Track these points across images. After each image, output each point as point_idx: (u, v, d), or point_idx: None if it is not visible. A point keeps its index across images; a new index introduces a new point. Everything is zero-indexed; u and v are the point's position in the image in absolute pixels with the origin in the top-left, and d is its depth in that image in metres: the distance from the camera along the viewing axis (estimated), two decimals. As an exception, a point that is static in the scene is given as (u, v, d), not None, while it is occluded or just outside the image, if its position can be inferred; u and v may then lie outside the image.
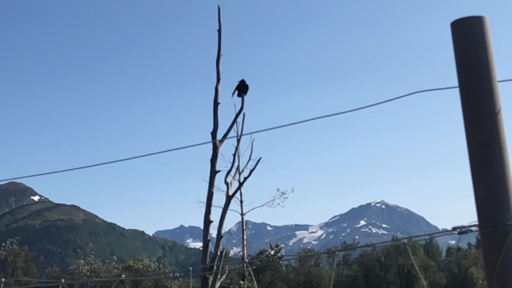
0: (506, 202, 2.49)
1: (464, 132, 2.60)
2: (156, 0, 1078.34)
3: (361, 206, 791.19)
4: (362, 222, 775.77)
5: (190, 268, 3.93)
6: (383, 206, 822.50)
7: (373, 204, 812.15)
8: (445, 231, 2.60)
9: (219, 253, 21.48)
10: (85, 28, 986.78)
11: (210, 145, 21.14)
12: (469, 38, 2.65)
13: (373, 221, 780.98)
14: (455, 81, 2.79)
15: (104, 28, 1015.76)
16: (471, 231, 2.54)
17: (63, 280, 6.70)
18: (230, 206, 22.87)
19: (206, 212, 20.93)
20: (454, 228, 2.56)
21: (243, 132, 24.16)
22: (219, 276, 20.46)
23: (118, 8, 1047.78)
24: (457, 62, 2.65)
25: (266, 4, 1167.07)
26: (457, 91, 2.64)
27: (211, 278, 20.17)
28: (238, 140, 24.96)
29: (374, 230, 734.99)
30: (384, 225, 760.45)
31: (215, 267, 20.19)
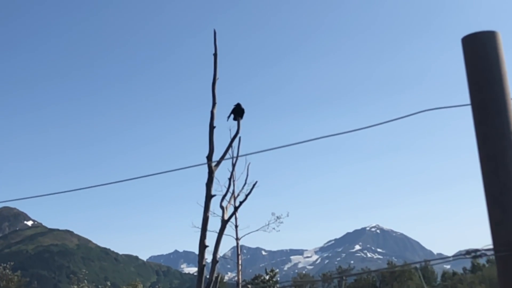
0: None
1: (477, 152, 2.50)
2: (152, 26, 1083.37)
3: (356, 231, 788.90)
4: (357, 247, 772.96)
5: None
6: (378, 231, 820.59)
7: (368, 228, 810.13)
8: (458, 255, 2.49)
9: (214, 279, 21.26)
10: (78, 56, 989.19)
11: (205, 170, 21.01)
12: (481, 54, 2.56)
13: (368, 245, 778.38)
14: (453, 102, 2.71)
15: (99, 56, 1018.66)
16: (486, 255, 2.43)
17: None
18: (226, 231, 22.70)
19: (201, 236, 20.70)
20: (469, 252, 2.45)
21: (239, 156, 24.12)
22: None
23: (110, 34, 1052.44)
24: (469, 79, 2.56)
25: (262, 30, 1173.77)
26: (464, 110, 2.56)
27: (206, 304, 19.95)
28: (234, 164, 24.87)
29: (369, 255, 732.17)
30: (379, 250, 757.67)
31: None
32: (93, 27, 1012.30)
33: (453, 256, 2.50)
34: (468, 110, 2.62)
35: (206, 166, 21.28)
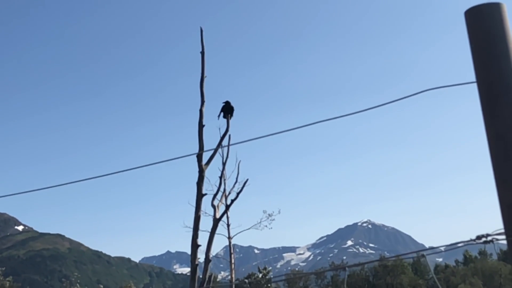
0: None
1: (485, 132, 2.37)
2: (139, 26, 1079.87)
3: (347, 226, 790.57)
4: (349, 242, 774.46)
5: None
6: (369, 226, 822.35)
7: (359, 224, 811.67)
8: (468, 241, 2.36)
9: (207, 278, 21.11)
10: (67, 59, 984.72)
11: (196, 169, 20.88)
12: (486, 28, 2.43)
13: (360, 240, 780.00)
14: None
15: (88, 60, 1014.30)
16: (497, 239, 2.30)
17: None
18: (217, 230, 22.55)
19: (193, 236, 20.57)
20: (479, 237, 2.32)
21: (229, 155, 23.97)
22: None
23: (99, 36, 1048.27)
24: (474, 55, 2.43)
25: (251, 27, 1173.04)
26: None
27: (200, 304, 19.80)
28: (224, 163, 24.75)
29: (361, 250, 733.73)
30: (371, 245, 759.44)
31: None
32: (84, 31, 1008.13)
33: (464, 242, 2.37)
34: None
35: (196, 166, 21.16)
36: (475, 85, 2.44)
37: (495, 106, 2.36)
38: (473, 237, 2.31)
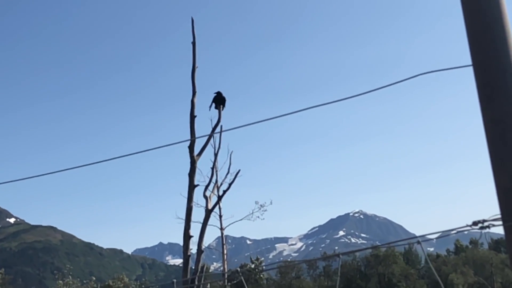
0: None
1: (481, 116, 2.33)
2: (129, 16, 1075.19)
3: (339, 217, 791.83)
4: (341, 233, 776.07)
5: (174, 280, 3.59)
6: (361, 216, 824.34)
7: (351, 214, 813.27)
8: (464, 227, 2.33)
9: (199, 269, 21.08)
10: (56, 53, 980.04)
11: (188, 161, 20.80)
12: (482, 10, 2.38)
13: (352, 231, 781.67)
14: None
15: (76, 51, 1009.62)
16: (494, 225, 2.26)
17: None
18: (210, 222, 22.49)
19: (185, 227, 20.53)
20: (475, 223, 2.28)
21: (221, 146, 23.88)
22: (201, 292, 20.06)
23: (87, 28, 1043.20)
24: (470, 37, 2.38)
25: (243, 17, 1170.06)
26: (464, 73, 2.40)
27: (192, 295, 19.76)
28: (216, 154, 24.68)
29: (353, 240, 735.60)
30: (363, 235, 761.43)
31: (196, 280, 19.76)
32: (75, 23, 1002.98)
33: (458, 228, 2.33)
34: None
35: (188, 157, 21.09)
36: (470, 72, 2.40)
37: (491, 90, 2.32)
38: (469, 223, 2.28)
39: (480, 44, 2.39)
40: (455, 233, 2.34)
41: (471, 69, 2.40)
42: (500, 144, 2.31)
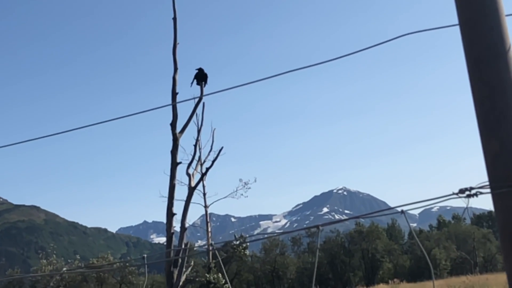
0: None
1: (468, 78, 2.19)
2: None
3: (323, 194, 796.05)
4: (325, 209, 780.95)
5: (144, 255, 3.46)
6: (345, 193, 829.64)
7: (335, 191, 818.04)
8: (450, 195, 2.20)
9: (183, 246, 21.00)
10: (33, 30, 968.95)
11: (170, 138, 20.63)
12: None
13: (336, 207, 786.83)
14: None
15: (56, 32, 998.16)
16: (481, 193, 2.14)
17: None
18: (194, 199, 22.43)
19: (168, 205, 20.43)
20: (462, 190, 2.15)
21: (203, 124, 23.71)
22: (184, 269, 19.99)
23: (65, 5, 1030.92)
24: (456, -7, 2.25)
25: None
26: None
27: (176, 272, 19.70)
28: (199, 130, 24.51)
29: (337, 217, 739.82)
30: (346, 211, 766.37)
31: (179, 260, 19.70)
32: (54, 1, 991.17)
33: (445, 196, 2.20)
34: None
35: (171, 134, 20.90)
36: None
37: (479, 48, 2.18)
38: (456, 191, 2.15)
39: (467, 1, 2.24)
40: (441, 201, 2.22)
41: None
42: (488, 106, 2.18)
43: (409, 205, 2.34)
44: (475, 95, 2.21)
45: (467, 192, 2.16)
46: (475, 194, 2.16)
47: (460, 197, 2.16)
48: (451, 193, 2.18)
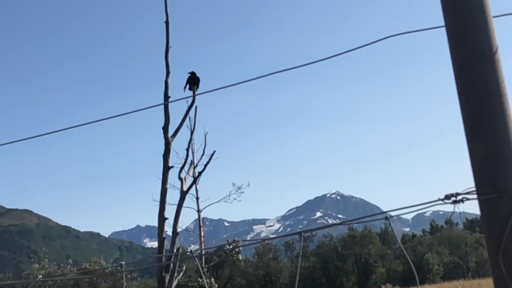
0: (511, 161, 2.00)
1: (454, 80, 2.13)
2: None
3: (316, 198, 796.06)
4: (318, 214, 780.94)
5: (122, 263, 3.38)
6: (338, 197, 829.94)
7: (328, 195, 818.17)
8: (435, 201, 2.14)
9: (175, 250, 20.90)
10: (28, 32, 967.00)
11: (162, 142, 20.54)
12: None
13: (329, 212, 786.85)
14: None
15: (51, 34, 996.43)
16: (468, 199, 2.08)
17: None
18: (187, 204, 22.38)
19: (160, 209, 20.33)
20: (448, 196, 2.09)
21: (196, 128, 23.66)
22: (176, 274, 19.88)
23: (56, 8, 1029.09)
24: (442, -4, 2.18)
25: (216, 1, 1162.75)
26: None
27: (167, 277, 19.59)
28: (191, 134, 24.44)
29: (330, 221, 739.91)
30: (340, 216, 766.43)
31: (171, 265, 19.59)
32: (46, 3, 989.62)
33: (430, 202, 2.14)
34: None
35: (162, 138, 20.82)
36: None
37: (465, 50, 2.12)
38: (441, 197, 2.10)
39: (453, 2, 2.19)
40: (426, 207, 2.16)
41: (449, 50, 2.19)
42: (475, 110, 2.12)
43: (396, 211, 2.28)
44: (461, 98, 2.14)
45: (453, 198, 2.10)
46: (461, 200, 2.10)
47: (446, 203, 2.11)
48: (437, 198, 2.13)
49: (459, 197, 2.10)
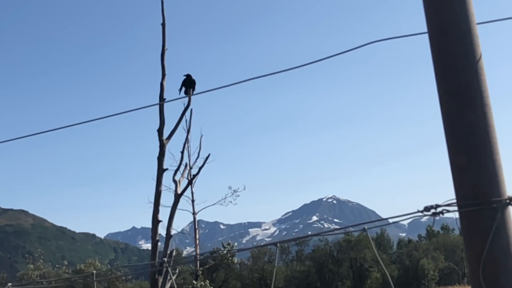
0: (493, 173, 1.91)
1: (436, 87, 2.07)
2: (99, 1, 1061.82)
3: (312, 202, 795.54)
4: (314, 218, 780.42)
5: (93, 272, 3.31)
6: (334, 201, 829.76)
7: (324, 199, 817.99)
8: (414, 213, 2.08)
9: (169, 253, 20.85)
10: (24, 34, 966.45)
11: (157, 144, 20.50)
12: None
13: (325, 216, 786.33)
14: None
15: (48, 36, 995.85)
16: (448, 211, 2.01)
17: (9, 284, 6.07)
18: (183, 206, 22.40)
19: (154, 211, 20.30)
20: (427, 208, 2.02)
21: (192, 130, 23.59)
22: (169, 277, 19.80)
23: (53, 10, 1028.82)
24: (425, 0, 2.11)
25: (214, 0, 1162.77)
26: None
27: (161, 280, 19.52)
28: (186, 136, 24.42)
29: (326, 225, 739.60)
30: (336, 220, 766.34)
31: (165, 268, 19.50)
32: (42, 5, 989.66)
33: (410, 214, 2.08)
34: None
35: (158, 140, 20.76)
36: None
37: (448, 57, 2.05)
38: (421, 208, 2.03)
39: (436, 7, 2.12)
40: (405, 218, 2.10)
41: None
42: (457, 119, 2.05)
43: (372, 223, 2.22)
44: (442, 106, 2.08)
45: (433, 210, 2.03)
46: (441, 212, 2.03)
47: (425, 215, 2.04)
48: (416, 210, 2.06)
49: (439, 209, 2.03)
